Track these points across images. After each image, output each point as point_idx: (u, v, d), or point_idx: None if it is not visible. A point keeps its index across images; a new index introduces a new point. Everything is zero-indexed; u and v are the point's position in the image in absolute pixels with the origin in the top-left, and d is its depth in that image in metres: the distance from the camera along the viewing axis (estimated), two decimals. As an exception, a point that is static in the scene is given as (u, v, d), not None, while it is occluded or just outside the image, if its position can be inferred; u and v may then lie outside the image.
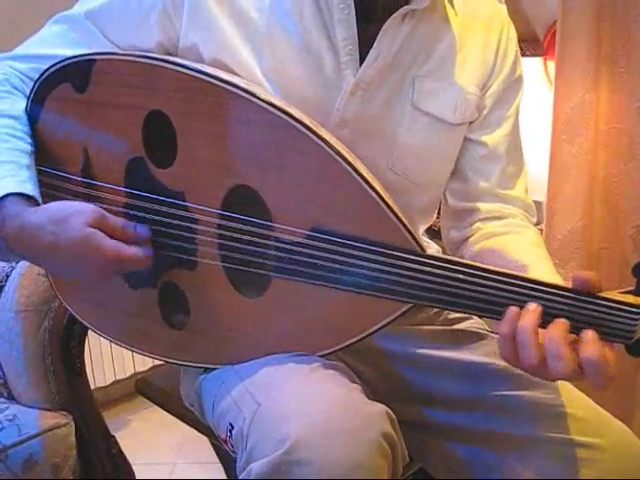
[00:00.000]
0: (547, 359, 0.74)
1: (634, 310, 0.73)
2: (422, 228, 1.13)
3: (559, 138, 1.77)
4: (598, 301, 0.75)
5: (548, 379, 0.79)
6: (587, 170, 1.76)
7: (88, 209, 0.86)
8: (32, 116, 0.98)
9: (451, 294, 0.81)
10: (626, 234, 1.75)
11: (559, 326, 0.75)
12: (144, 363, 2.18)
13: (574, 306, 0.76)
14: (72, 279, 0.97)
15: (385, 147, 0.99)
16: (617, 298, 0.74)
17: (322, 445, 0.73)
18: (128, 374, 2.21)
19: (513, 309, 0.78)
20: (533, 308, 0.77)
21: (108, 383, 2.17)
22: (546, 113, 1.80)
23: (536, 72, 1.92)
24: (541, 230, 1.94)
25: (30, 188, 0.89)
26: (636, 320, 0.73)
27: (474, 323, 1.10)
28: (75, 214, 0.85)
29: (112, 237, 0.85)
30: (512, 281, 0.78)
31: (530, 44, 1.92)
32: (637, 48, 1.65)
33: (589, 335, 0.74)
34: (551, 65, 1.86)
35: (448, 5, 1.00)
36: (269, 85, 0.92)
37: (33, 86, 0.98)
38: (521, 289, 0.78)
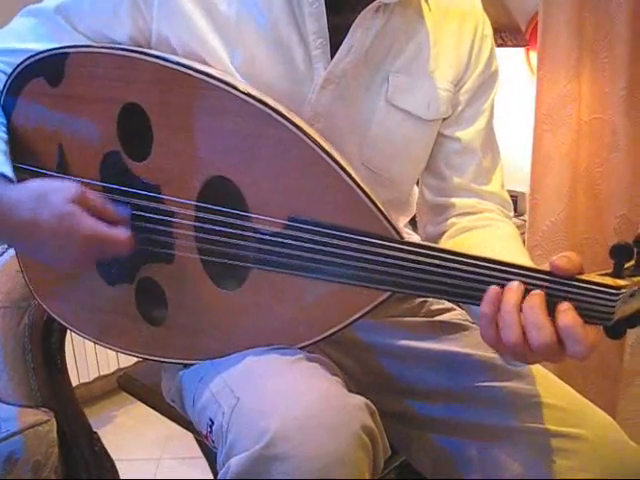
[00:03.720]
0: (526, 330, 0.73)
1: (612, 291, 0.73)
2: (403, 221, 1.13)
3: (541, 128, 1.77)
4: (576, 283, 0.74)
5: (528, 359, 0.77)
6: (570, 160, 1.76)
7: (69, 186, 0.85)
8: (6, 112, 0.97)
9: (430, 281, 0.80)
10: (609, 224, 1.75)
11: (537, 297, 0.74)
12: (128, 359, 2.15)
13: (552, 289, 0.75)
14: (49, 261, 0.92)
15: (358, 142, 0.98)
16: (595, 280, 0.74)
17: (301, 440, 0.73)
18: (112, 369, 2.20)
19: (494, 288, 0.76)
20: (516, 286, 0.75)
21: (92, 379, 2.17)
22: (528, 103, 1.80)
23: (518, 62, 1.92)
24: (524, 221, 1.94)
25: (9, 170, 0.88)
26: (614, 302, 0.73)
27: (457, 314, 1.09)
28: (55, 190, 0.84)
29: (93, 216, 0.84)
30: (490, 265, 0.77)
31: (512, 34, 1.92)
32: (619, 38, 1.65)
33: (564, 305, 0.73)
34: (533, 55, 1.86)
35: (422, 0, 0.99)
36: (241, 78, 0.91)
37: (6, 82, 0.97)
38: (499, 273, 0.77)
